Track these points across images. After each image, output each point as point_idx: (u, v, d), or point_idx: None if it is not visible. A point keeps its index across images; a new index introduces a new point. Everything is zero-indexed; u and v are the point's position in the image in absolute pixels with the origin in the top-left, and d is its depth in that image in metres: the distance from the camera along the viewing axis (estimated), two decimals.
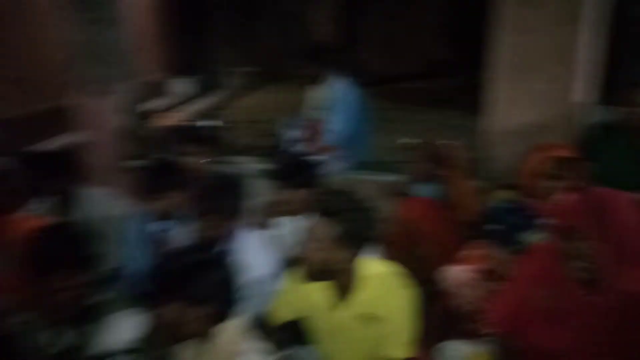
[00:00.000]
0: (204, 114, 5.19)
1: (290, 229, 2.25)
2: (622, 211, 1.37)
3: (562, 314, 1.51)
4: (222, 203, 2.03)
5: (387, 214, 2.86)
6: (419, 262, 2.59)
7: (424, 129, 3.94)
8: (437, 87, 6.64)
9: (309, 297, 1.71)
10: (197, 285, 1.31)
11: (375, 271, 1.66)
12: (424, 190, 2.67)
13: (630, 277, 1.37)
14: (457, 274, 2.25)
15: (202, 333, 1.38)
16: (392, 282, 1.64)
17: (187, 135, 2.91)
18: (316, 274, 1.60)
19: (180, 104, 5.63)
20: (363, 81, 3.50)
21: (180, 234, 2.20)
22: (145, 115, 3.85)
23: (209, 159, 2.68)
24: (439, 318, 2.32)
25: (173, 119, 4.40)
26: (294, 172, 2.37)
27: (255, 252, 2.00)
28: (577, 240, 1.38)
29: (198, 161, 2.63)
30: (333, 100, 3.28)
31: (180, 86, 6.03)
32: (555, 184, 2.19)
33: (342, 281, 1.63)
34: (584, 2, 2.55)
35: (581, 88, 2.69)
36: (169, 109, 5.19)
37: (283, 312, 1.84)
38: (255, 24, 7.23)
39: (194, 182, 2.29)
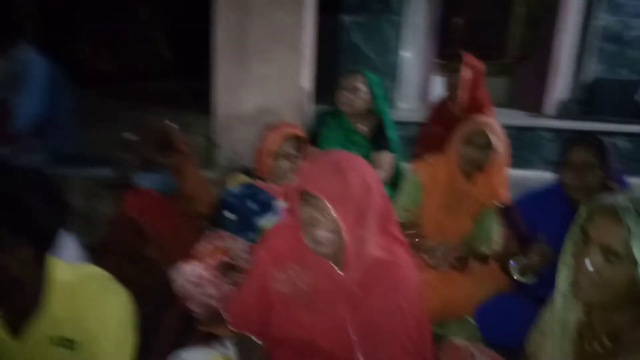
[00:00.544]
0: None
1: None
2: (358, 169, 1.27)
3: (309, 295, 1.35)
4: None
5: (105, 213, 2.35)
6: (147, 264, 2.19)
7: None
8: (168, 87, 6.37)
9: None
10: None
11: (70, 280, 1.17)
12: (149, 182, 2.27)
13: (372, 244, 1.28)
14: (191, 272, 1.94)
15: None
16: (95, 291, 1.18)
17: None
18: None
19: None
20: (86, 79, 2.91)
21: None
22: None
23: None
24: (173, 324, 1.97)
25: None
26: None
27: None
28: (314, 206, 1.22)
29: None
30: (20, 78, 2.56)
31: None
32: (288, 163, 2.10)
33: (15, 302, 1.11)
34: None
35: (307, 72, 2.70)
36: None
37: None
38: None
39: None
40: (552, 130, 4.30)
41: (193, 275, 1.93)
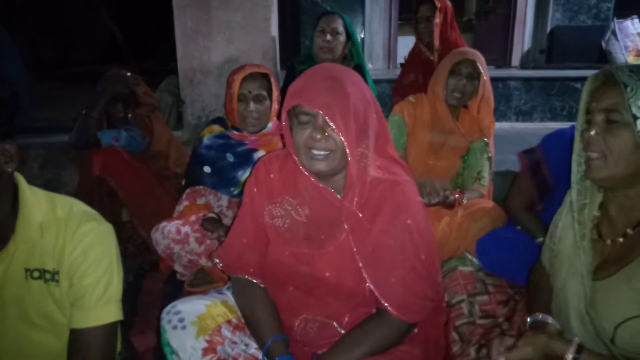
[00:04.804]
0: None
1: None
2: (355, 81, 1.18)
3: (308, 227, 1.24)
4: None
5: (70, 182, 2.16)
6: (125, 229, 2.03)
7: None
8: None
9: None
10: None
11: (47, 206, 1.03)
12: (116, 140, 2.08)
13: (372, 164, 1.20)
14: (175, 231, 1.79)
15: None
16: (78, 220, 1.03)
17: None
18: None
19: None
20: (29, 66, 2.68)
21: None
22: None
23: None
24: (157, 288, 1.83)
25: None
26: None
27: None
28: (311, 125, 1.12)
29: None
30: None
31: None
32: (254, 105, 1.88)
33: None
34: None
35: (276, 19, 2.53)
36: None
37: None
38: None
39: None
40: (520, 79, 4.30)
41: (178, 234, 1.78)
